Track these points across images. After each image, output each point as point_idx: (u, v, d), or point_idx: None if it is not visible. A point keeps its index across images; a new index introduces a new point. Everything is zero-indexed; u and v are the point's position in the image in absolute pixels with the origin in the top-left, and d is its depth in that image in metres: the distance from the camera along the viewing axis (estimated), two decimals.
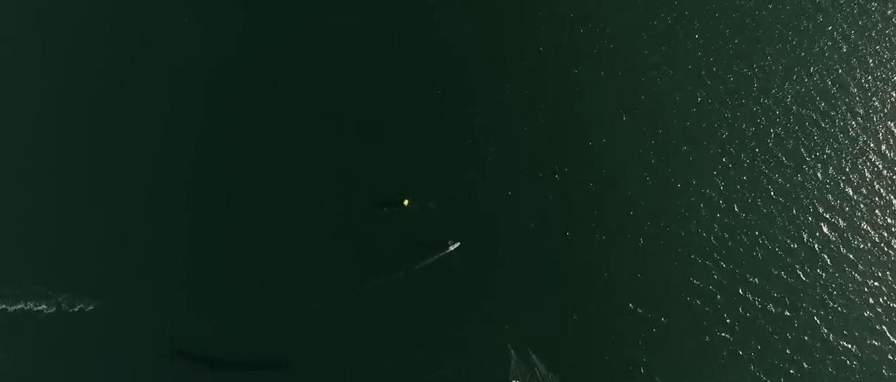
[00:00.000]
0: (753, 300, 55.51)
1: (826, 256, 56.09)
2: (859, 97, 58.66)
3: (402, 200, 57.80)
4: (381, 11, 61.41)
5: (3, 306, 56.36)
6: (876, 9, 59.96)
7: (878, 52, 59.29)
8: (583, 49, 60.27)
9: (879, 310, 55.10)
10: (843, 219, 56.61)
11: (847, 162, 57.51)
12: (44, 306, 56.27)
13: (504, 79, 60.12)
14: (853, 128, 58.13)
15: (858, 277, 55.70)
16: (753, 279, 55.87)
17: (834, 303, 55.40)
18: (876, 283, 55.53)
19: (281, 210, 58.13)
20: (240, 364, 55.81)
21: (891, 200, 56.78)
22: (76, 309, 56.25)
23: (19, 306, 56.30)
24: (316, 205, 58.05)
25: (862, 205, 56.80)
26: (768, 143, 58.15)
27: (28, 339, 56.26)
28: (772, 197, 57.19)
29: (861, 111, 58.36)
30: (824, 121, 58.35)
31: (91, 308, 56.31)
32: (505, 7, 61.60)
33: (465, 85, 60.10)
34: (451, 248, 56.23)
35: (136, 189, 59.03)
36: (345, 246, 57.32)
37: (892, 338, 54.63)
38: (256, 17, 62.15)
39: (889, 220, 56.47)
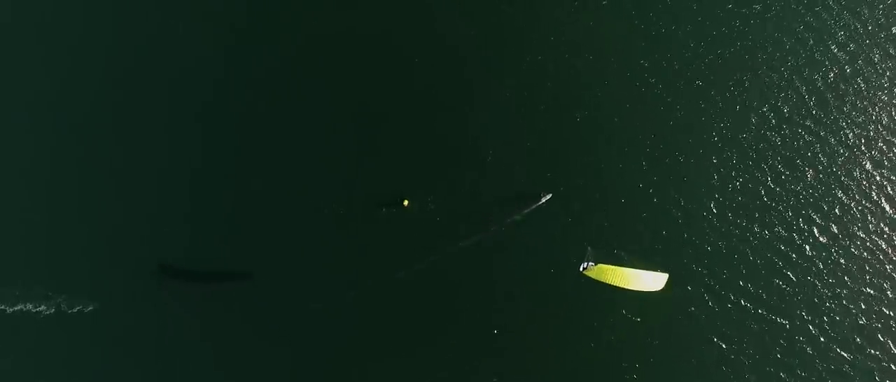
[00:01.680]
0: (747, 306, 55.88)
1: (820, 262, 56.34)
2: (855, 103, 58.74)
3: (402, 200, 57.85)
4: (380, 11, 61.03)
5: (3, 307, 56.24)
6: (871, 15, 59.88)
7: (876, 60, 59.28)
8: (582, 51, 60.04)
9: (875, 317, 55.48)
10: (838, 225, 56.83)
11: (842, 168, 57.65)
12: (43, 307, 56.18)
13: (504, 80, 59.97)
14: (849, 135, 58.24)
15: (853, 283, 55.98)
16: (747, 285, 56.15)
17: (829, 309, 55.75)
18: (871, 290, 55.90)
19: (280, 210, 58.07)
20: (239, 363, 56.02)
21: (885, 206, 57.08)
22: (76, 310, 56.23)
23: (19, 307, 56.20)
24: (315, 205, 58.01)
25: (856, 211, 57.07)
26: (764, 149, 58.18)
27: (28, 340, 56.27)
28: (766, 202, 57.38)
29: (857, 117, 58.49)
30: (820, 126, 58.41)
31: (91, 308, 56.30)
32: (504, 8, 61.28)
33: (465, 85, 59.93)
34: (544, 200, 56.86)
35: (134, 189, 58.80)
36: (344, 246, 57.38)
37: (887, 345, 55.20)
38: (255, 17, 61.65)
39: (884, 227, 56.77)
